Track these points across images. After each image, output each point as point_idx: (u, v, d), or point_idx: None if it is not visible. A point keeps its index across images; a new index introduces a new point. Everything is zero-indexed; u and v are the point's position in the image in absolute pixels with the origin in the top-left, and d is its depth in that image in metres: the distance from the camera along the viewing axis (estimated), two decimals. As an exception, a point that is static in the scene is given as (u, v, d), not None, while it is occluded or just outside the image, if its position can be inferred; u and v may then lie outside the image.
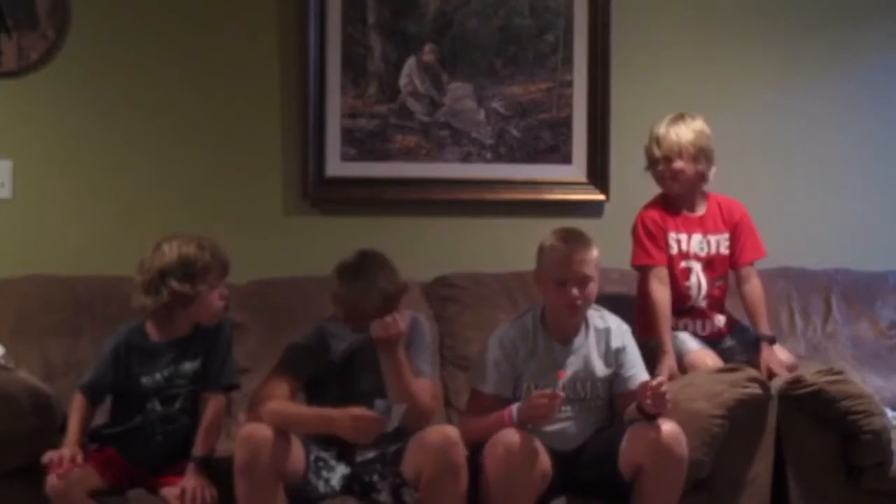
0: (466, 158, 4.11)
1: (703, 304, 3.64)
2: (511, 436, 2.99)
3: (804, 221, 4.22)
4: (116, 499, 3.03)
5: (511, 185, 4.12)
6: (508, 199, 4.13)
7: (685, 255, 3.62)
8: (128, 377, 3.16)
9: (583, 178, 4.14)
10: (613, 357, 3.26)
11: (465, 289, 3.93)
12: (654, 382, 3.02)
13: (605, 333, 3.28)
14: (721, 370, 3.34)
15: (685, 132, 3.59)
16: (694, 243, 3.63)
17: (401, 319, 3.07)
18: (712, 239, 3.65)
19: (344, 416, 2.96)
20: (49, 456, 2.95)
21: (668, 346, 3.50)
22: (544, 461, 3.02)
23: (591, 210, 4.14)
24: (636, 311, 3.62)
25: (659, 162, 3.60)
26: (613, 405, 3.29)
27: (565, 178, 4.13)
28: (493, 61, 4.11)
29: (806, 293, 4.07)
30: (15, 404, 3.03)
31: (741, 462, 3.27)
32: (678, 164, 3.58)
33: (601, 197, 4.13)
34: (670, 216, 3.64)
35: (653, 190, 3.68)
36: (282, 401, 3.06)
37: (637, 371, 3.27)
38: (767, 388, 3.26)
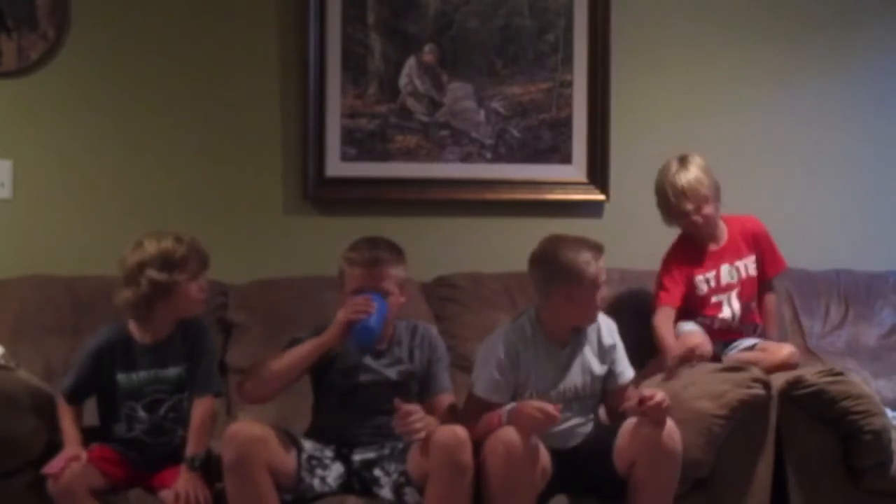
0: (466, 158, 4.11)
1: (740, 328, 3.68)
2: (511, 434, 2.98)
3: (804, 221, 4.22)
4: (118, 498, 3.03)
5: (511, 185, 4.12)
6: (508, 199, 4.13)
7: (716, 290, 3.66)
8: (108, 376, 3.14)
9: (583, 178, 4.14)
10: (607, 354, 3.27)
11: (465, 289, 3.93)
12: (653, 401, 3.00)
13: (596, 331, 3.28)
14: (724, 369, 3.34)
15: (701, 176, 3.60)
16: (724, 275, 3.66)
17: (413, 422, 2.98)
18: (740, 264, 3.69)
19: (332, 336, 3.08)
20: (49, 465, 2.94)
21: (669, 342, 3.52)
22: (544, 458, 3.03)
23: (591, 210, 4.14)
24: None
25: (689, 213, 3.59)
26: (604, 400, 3.31)
27: (565, 178, 4.13)
28: (493, 61, 4.11)
29: (806, 294, 4.07)
30: (15, 404, 3.03)
31: (741, 462, 3.27)
32: (707, 209, 3.60)
33: (601, 197, 4.13)
34: (696, 260, 3.66)
35: (651, 189, 3.67)
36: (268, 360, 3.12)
37: (625, 367, 3.29)
38: (770, 389, 3.26)
